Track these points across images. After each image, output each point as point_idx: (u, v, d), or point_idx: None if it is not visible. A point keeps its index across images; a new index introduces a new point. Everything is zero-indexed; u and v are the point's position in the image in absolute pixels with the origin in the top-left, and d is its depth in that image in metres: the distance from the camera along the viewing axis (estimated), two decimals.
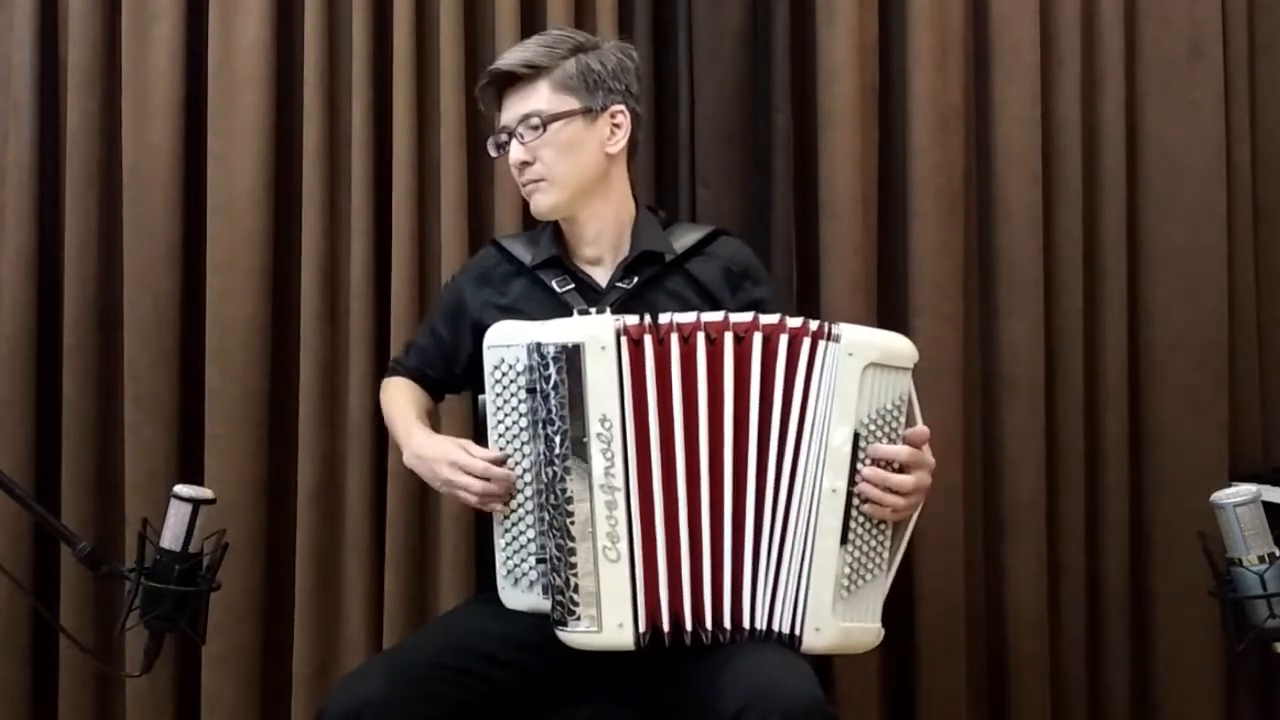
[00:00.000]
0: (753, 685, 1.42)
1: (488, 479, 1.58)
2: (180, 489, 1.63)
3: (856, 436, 1.52)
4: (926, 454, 1.57)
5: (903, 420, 1.56)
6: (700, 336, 1.53)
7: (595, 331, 1.53)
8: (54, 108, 2.31)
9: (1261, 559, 1.58)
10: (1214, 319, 2.32)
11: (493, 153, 1.80)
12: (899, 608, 2.28)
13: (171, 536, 1.60)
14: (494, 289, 1.82)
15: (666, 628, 1.52)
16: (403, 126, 2.24)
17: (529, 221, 2.05)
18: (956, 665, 2.24)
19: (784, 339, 1.53)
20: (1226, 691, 2.32)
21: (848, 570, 1.51)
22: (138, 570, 1.60)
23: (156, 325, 2.25)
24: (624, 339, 1.52)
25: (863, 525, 1.53)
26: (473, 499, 1.60)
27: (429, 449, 1.68)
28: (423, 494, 2.25)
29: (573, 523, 1.51)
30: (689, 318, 1.54)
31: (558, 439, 1.52)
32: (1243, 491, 1.62)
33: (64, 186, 2.27)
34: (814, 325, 1.55)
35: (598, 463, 1.51)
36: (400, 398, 1.86)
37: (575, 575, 1.51)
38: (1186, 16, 2.34)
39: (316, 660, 2.24)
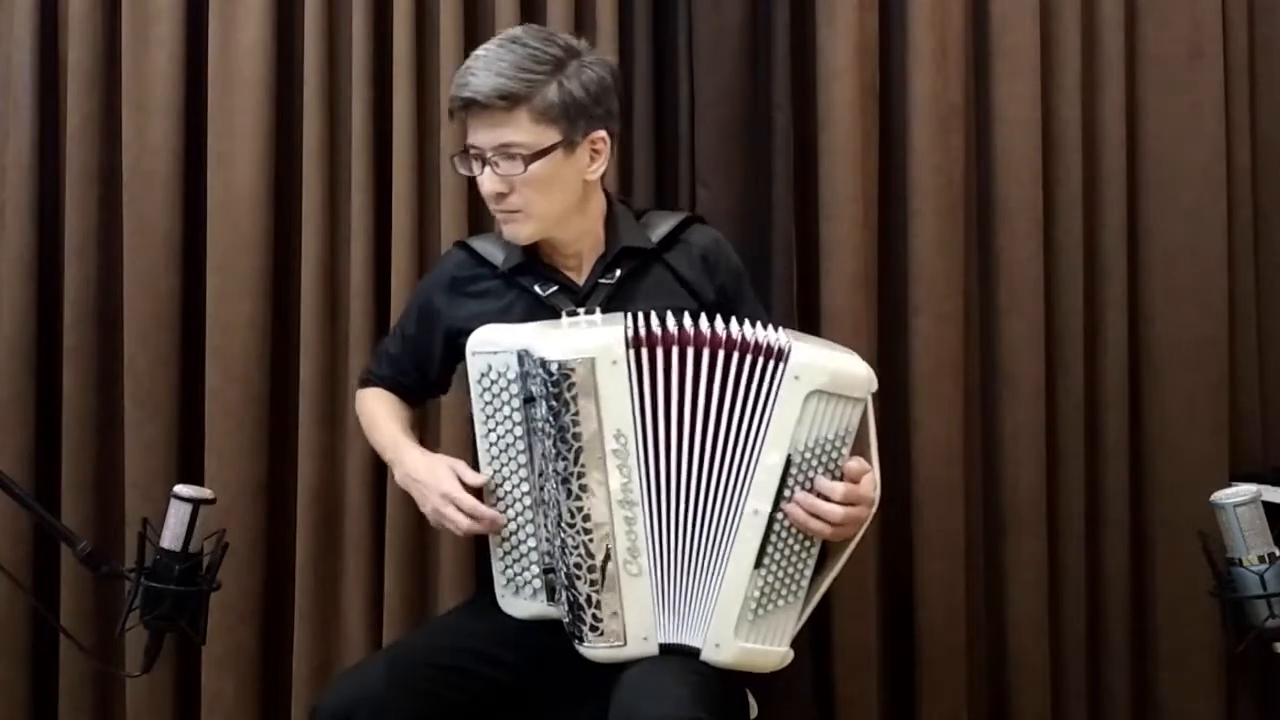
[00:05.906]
0: (619, 705, 1.44)
1: (475, 517, 1.57)
2: (180, 489, 1.63)
3: (789, 462, 1.48)
4: (865, 488, 1.52)
5: (845, 452, 1.51)
6: (690, 351, 1.50)
7: (606, 344, 1.49)
8: (54, 108, 2.31)
9: (1261, 559, 1.58)
10: (1214, 319, 2.31)
11: (463, 171, 1.68)
12: (899, 607, 2.29)
13: (171, 536, 1.60)
14: (468, 294, 1.75)
15: (678, 640, 1.52)
16: (403, 126, 2.24)
17: None
18: (956, 665, 2.24)
19: (735, 356, 1.50)
20: (1226, 691, 2.31)
21: (758, 593, 1.50)
22: (138, 570, 1.60)
23: (156, 325, 2.25)
24: (632, 351, 1.49)
25: (781, 551, 1.50)
26: (459, 531, 1.60)
27: (422, 472, 1.65)
28: None
29: (592, 540, 1.50)
30: (687, 327, 1.52)
31: (571, 456, 1.49)
32: (1243, 491, 1.62)
33: (64, 186, 2.27)
34: (768, 340, 1.50)
35: (615, 479, 1.49)
36: (381, 411, 1.82)
37: (597, 591, 1.50)
38: (1186, 17, 2.34)
39: (316, 660, 2.24)
